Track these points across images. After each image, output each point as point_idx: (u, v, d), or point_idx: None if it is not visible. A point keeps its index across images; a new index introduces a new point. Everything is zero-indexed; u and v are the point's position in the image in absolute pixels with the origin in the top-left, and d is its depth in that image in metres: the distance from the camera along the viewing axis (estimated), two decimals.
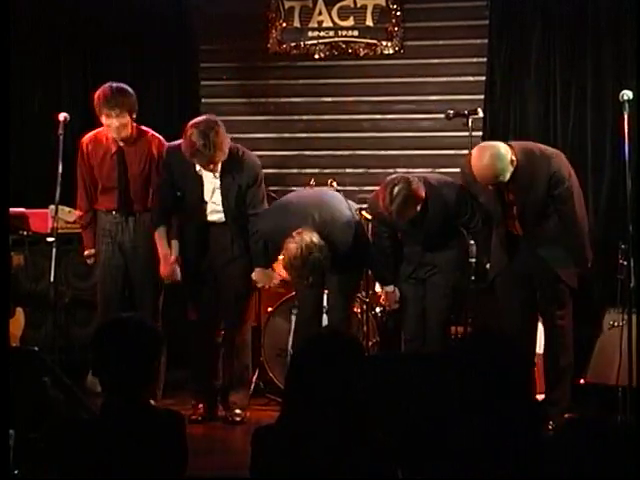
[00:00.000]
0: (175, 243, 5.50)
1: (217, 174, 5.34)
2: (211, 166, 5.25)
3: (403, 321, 5.52)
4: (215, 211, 5.44)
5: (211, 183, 5.39)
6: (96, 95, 5.52)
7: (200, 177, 5.37)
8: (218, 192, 5.39)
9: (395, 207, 5.01)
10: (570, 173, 5.08)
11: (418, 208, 5.11)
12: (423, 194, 5.11)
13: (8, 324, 4.47)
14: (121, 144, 5.58)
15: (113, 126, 5.47)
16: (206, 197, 5.41)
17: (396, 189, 5.01)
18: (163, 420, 3.06)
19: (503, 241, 5.23)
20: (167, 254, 5.46)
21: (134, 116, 5.53)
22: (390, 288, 5.46)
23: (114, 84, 5.51)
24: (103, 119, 5.50)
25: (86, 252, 5.75)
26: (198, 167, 5.33)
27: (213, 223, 5.47)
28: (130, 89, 5.52)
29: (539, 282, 5.19)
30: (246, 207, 5.41)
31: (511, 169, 4.97)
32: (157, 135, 5.67)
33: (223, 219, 5.45)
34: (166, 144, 5.55)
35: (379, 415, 2.74)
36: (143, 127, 5.66)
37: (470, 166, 5.02)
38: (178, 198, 5.46)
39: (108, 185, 5.64)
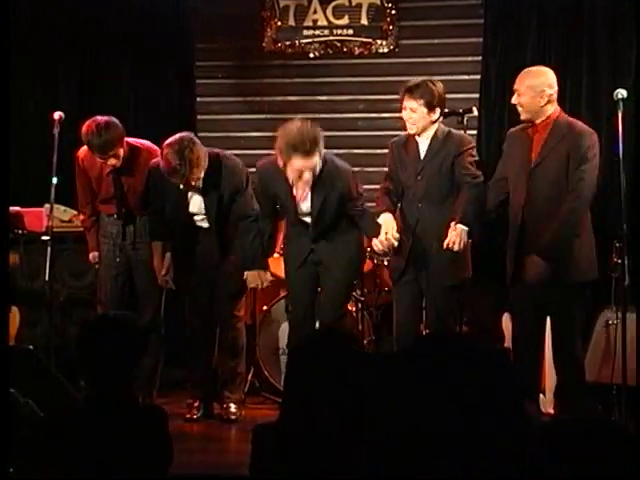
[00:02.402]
0: (168, 256, 5.58)
1: (199, 187, 5.39)
2: (192, 183, 5.29)
3: (395, 327, 5.31)
4: (202, 220, 5.52)
5: (196, 196, 5.45)
6: (84, 135, 5.40)
7: (185, 192, 5.42)
8: (202, 204, 5.46)
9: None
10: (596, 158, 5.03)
11: (435, 114, 5.11)
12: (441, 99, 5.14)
13: (8, 323, 4.47)
14: (117, 165, 5.57)
15: (109, 164, 5.49)
16: (192, 209, 5.48)
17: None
18: (145, 416, 3.08)
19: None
20: (160, 268, 5.57)
21: (124, 142, 5.50)
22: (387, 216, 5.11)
23: (99, 122, 5.38)
24: (97, 158, 5.50)
25: (91, 255, 5.75)
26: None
27: (201, 228, 5.54)
28: (115, 120, 5.43)
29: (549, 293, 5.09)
30: (236, 216, 5.45)
31: (541, 103, 4.98)
32: (148, 145, 5.65)
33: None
34: (156, 153, 5.53)
35: (377, 413, 2.73)
36: (133, 142, 5.61)
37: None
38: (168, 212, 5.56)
39: (107, 197, 5.66)
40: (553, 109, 5.03)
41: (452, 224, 4.98)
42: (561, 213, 4.89)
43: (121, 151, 5.46)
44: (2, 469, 2.95)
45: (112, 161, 5.46)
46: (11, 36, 5.02)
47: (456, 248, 4.93)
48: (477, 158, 5.20)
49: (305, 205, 5.28)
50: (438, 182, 5.14)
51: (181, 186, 5.32)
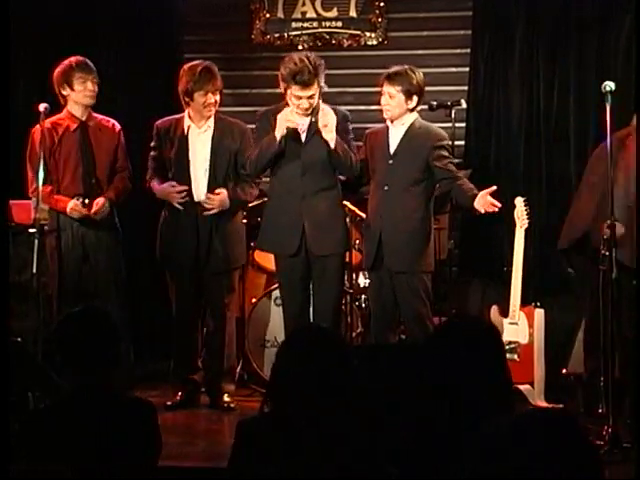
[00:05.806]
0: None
1: (205, 134, 5.52)
2: (206, 100, 5.44)
3: (372, 316, 5.41)
4: (200, 185, 5.50)
5: (200, 146, 5.52)
6: (65, 64, 5.53)
7: (186, 144, 5.51)
8: (205, 158, 5.50)
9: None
10: None
11: (412, 102, 5.18)
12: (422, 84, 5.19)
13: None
14: (83, 118, 5.60)
15: (88, 89, 5.53)
16: (191, 158, 5.50)
17: None
18: (132, 409, 3.08)
19: None
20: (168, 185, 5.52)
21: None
22: None
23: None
24: (76, 85, 5.54)
25: (71, 202, 5.58)
26: (186, 126, 5.52)
27: (196, 205, 5.49)
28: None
29: None
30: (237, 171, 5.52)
31: None
32: (114, 121, 5.75)
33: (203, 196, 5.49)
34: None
35: (365, 408, 2.73)
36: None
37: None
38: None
39: (70, 165, 5.60)
40: None
41: (482, 193, 5.07)
42: None
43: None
44: (2, 468, 2.95)
45: (95, 87, 5.54)
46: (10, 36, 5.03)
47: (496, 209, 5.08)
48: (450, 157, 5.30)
49: (304, 136, 5.28)
50: (408, 169, 5.20)
51: (186, 130, 5.47)
